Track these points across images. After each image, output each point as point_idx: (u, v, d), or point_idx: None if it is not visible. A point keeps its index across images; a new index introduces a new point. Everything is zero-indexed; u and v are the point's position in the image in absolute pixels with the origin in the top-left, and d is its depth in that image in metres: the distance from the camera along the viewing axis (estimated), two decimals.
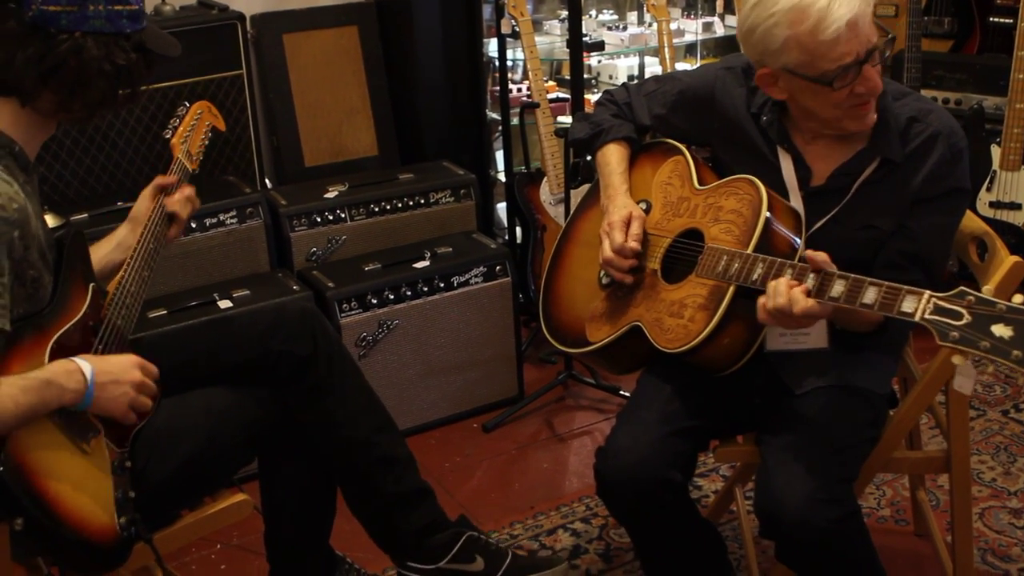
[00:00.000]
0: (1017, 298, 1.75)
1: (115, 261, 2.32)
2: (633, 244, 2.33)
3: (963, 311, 1.77)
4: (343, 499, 2.51)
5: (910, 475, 2.93)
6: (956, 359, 1.78)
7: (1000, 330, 1.72)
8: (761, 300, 2.03)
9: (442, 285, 3.52)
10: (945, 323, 1.78)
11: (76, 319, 2.05)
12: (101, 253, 2.33)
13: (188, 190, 2.42)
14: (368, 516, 2.51)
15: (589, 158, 2.63)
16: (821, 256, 1.99)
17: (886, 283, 1.89)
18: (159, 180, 2.40)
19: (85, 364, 1.94)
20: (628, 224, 2.35)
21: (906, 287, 1.86)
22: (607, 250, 2.35)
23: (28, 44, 1.94)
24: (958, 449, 2.34)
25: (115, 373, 1.99)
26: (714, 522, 2.86)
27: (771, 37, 2.10)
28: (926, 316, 1.81)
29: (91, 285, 2.14)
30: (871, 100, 2.15)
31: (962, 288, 1.79)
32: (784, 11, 2.06)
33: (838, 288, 1.95)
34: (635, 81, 4.49)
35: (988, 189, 3.97)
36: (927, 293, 1.82)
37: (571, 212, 2.68)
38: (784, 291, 1.98)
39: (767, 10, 2.09)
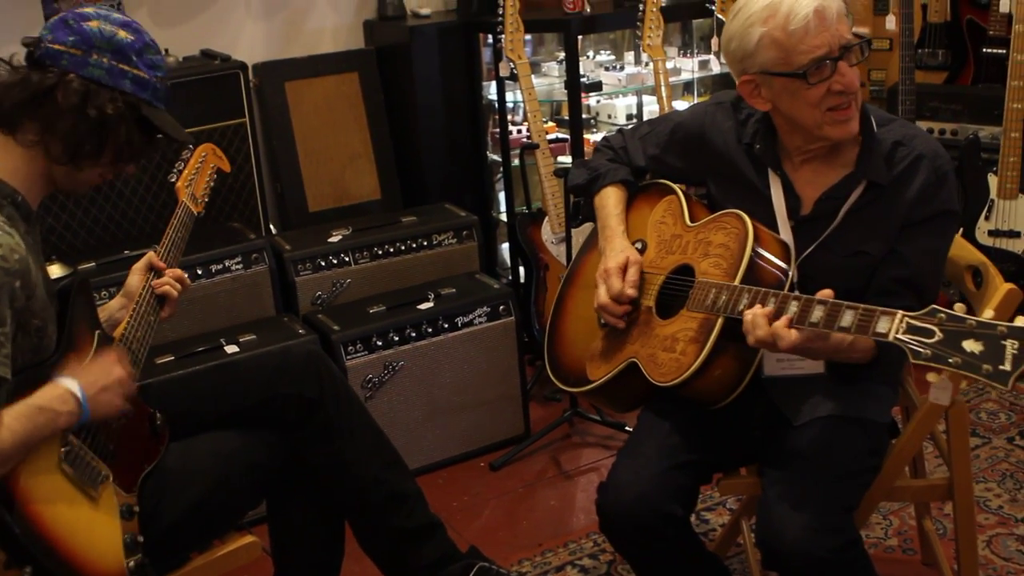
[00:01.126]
0: (987, 313, 1.78)
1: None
2: (630, 291, 2.36)
3: (935, 328, 1.79)
4: (354, 537, 2.53)
5: (916, 504, 2.94)
6: (931, 376, 1.80)
7: (971, 345, 1.74)
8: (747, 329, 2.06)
9: (446, 326, 3.55)
10: (918, 341, 1.80)
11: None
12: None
13: (177, 272, 2.41)
14: (380, 552, 2.53)
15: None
16: (826, 293, 2.00)
17: (862, 306, 1.91)
18: (152, 259, 2.39)
19: (72, 383, 1.94)
20: (625, 270, 2.39)
21: (880, 308, 1.88)
22: (603, 296, 2.38)
23: (24, 72, 2.01)
24: (960, 476, 2.36)
25: (101, 381, 1.99)
26: (721, 555, 2.87)
27: (748, 39, 2.18)
28: (899, 335, 1.83)
29: (97, 332, 2.17)
30: (851, 105, 2.19)
31: (934, 307, 1.81)
32: (758, 11, 2.15)
33: (817, 313, 1.97)
34: (632, 122, 4.55)
35: (987, 218, 4.00)
36: (900, 313, 1.84)
37: (574, 253, 2.71)
38: (763, 323, 2.01)
39: (743, 16, 2.19)
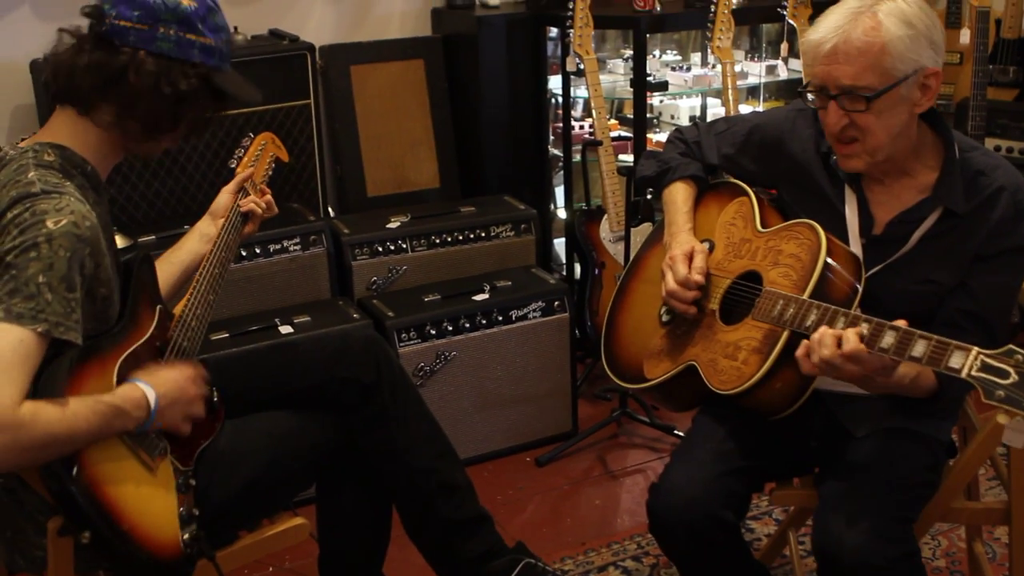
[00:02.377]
0: None
1: (201, 252, 2.37)
2: (697, 276, 2.33)
3: (1010, 370, 1.74)
4: (401, 525, 2.53)
5: (967, 526, 2.90)
6: (1001, 418, 1.75)
7: None
8: (800, 352, 2.02)
9: (500, 318, 3.54)
10: (992, 381, 1.75)
11: (144, 339, 2.09)
12: (187, 247, 2.40)
13: (266, 196, 2.50)
14: (427, 542, 2.52)
15: (649, 196, 2.64)
16: (900, 322, 1.95)
17: (936, 337, 1.86)
18: (241, 175, 2.48)
19: (150, 392, 1.97)
20: (691, 257, 2.36)
21: (955, 342, 1.83)
22: (670, 282, 2.35)
23: (93, 53, 2.00)
24: (1019, 501, 2.32)
25: (173, 395, 2.02)
26: (767, 566, 2.84)
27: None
28: (973, 373, 1.79)
29: (158, 306, 2.18)
30: (852, 144, 2.15)
31: (1011, 347, 1.77)
32: (824, 15, 2.15)
33: (888, 339, 1.93)
34: (704, 121, 4.52)
35: None
36: (975, 350, 1.80)
37: (635, 249, 2.69)
38: (830, 342, 1.97)
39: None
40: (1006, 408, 1.74)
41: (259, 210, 2.46)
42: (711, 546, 2.23)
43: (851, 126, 2.12)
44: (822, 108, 2.14)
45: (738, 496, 2.26)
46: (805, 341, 2.03)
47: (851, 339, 1.95)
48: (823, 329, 2.00)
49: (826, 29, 2.08)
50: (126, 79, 1.99)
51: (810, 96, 2.16)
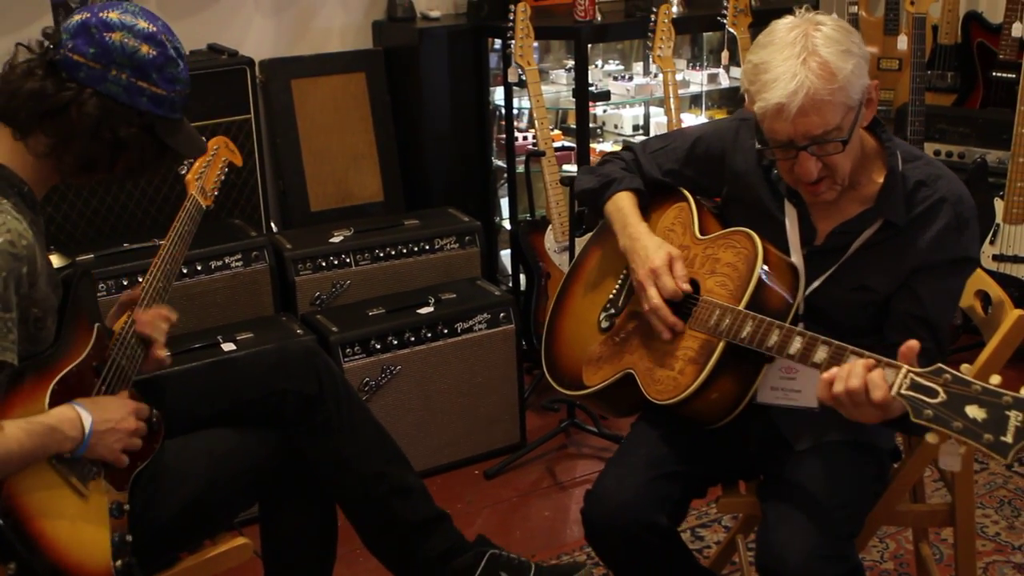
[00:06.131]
0: (994, 379, 1.72)
1: None
2: (685, 287, 2.24)
3: (939, 389, 1.73)
4: (346, 543, 2.50)
5: (914, 528, 2.91)
6: (930, 437, 1.74)
7: (974, 411, 1.69)
8: (826, 376, 1.89)
9: (446, 331, 3.52)
10: (920, 400, 1.74)
11: (80, 360, 2.05)
12: None
13: (163, 309, 2.34)
14: (387, 548, 2.50)
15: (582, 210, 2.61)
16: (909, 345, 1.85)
17: (867, 353, 1.85)
18: (125, 295, 2.37)
19: (86, 414, 1.94)
20: (671, 266, 2.27)
21: (885, 360, 1.82)
22: (654, 298, 2.24)
23: (41, 80, 1.96)
24: (963, 503, 2.33)
25: (112, 421, 2.00)
26: (716, 573, 2.84)
27: (745, 77, 2.11)
28: (902, 391, 1.77)
29: (96, 325, 2.14)
30: (820, 183, 2.10)
31: (940, 366, 1.76)
32: (754, 56, 2.07)
33: (820, 354, 1.92)
34: (639, 133, 4.53)
35: (992, 242, 3.98)
36: (904, 368, 1.79)
37: (577, 254, 2.67)
38: (860, 372, 1.83)
39: (758, 47, 2.09)
40: (935, 428, 1.73)
41: (158, 335, 2.28)
42: (646, 551, 2.22)
43: (822, 167, 2.08)
44: (786, 160, 2.09)
45: (672, 500, 2.24)
46: (829, 372, 1.90)
47: (879, 384, 1.82)
48: (854, 363, 1.88)
49: (782, 87, 1.99)
50: (67, 115, 1.96)
51: (766, 147, 2.10)
